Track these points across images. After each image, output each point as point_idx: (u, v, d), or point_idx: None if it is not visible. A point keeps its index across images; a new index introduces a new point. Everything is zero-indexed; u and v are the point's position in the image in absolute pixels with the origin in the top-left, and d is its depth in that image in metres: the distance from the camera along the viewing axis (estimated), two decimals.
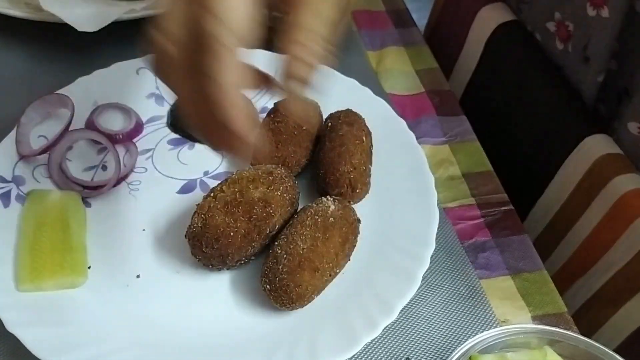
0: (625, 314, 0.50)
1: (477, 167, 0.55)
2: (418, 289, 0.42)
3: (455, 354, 0.35)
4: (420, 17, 0.78)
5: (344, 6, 0.31)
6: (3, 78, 0.58)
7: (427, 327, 0.43)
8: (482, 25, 0.68)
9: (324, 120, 0.52)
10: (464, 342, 0.36)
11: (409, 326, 0.43)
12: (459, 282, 0.46)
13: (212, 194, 0.44)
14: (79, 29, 0.55)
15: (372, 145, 0.50)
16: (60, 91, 0.52)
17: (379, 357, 0.41)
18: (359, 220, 0.45)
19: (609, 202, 0.51)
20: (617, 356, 0.36)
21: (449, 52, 0.72)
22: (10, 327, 0.38)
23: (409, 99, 0.61)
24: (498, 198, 0.52)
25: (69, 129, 0.50)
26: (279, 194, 0.44)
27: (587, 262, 0.54)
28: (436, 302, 0.44)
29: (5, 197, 0.46)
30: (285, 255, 0.41)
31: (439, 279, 0.46)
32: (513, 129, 0.63)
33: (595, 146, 0.53)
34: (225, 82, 0.27)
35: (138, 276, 0.44)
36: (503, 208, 0.52)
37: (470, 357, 0.36)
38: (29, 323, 0.39)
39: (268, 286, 0.41)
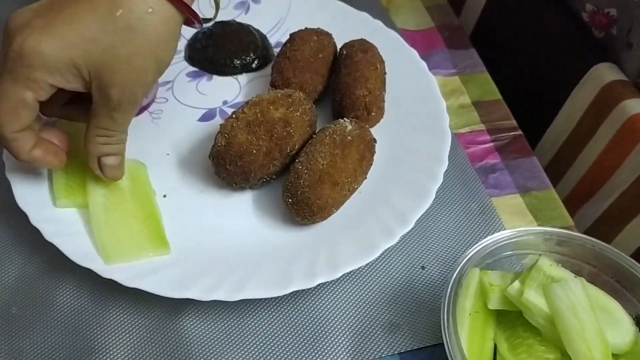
0: (631, 230, 0.52)
1: (487, 96, 0.57)
2: (432, 205, 0.44)
3: (468, 253, 0.37)
4: None
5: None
6: None
7: (441, 239, 0.45)
8: None
9: (338, 49, 0.53)
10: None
11: (424, 238, 0.45)
12: (470, 199, 0.48)
13: (234, 115, 0.45)
14: None
15: (385, 73, 0.52)
16: None
17: (397, 265, 0.44)
18: (374, 140, 0.47)
19: (615, 125, 0.53)
20: (619, 252, 0.38)
21: None
22: (49, 238, 0.40)
23: (419, 34, 0.62)
24: (507, 124, 0.54)
25: None
26: (298, 115, 0.46)
27: (595, 185, 0.56)
28: (449, 217, 0.47)
29: None
30: (306, 171, 0.43)
31: (452, 196, 0.48)
32: (523, 61, 0.64)
33: (603, 73, 0.55)
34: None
35: (164, 196, 0.46)
36: (512, 133, 0.54)
37: (480, 270, 0.38)
38: (64, 234, 0.41)
39: (290, 200, 0.43)
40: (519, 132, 0.54)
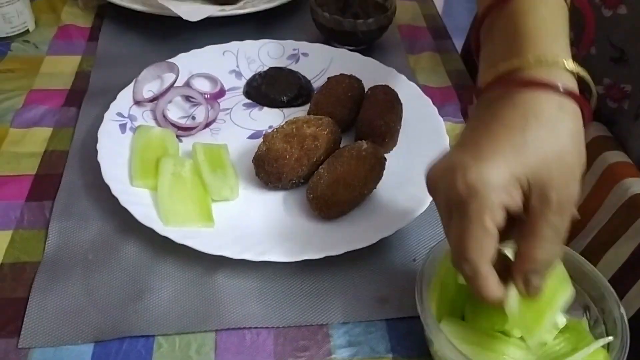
0: (605, 262, 0.60)
1: None
2: (426, 212, 0.54)
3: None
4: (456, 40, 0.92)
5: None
6: (122, 55, 0.76)
7: (432, 240, 0.55)
8: None
9: (365, 91, 0.66)
10: None
11: (417, 237, 0.55)
12: None
13: (275, 129, 0.58)
14: (184, 18, 0.73)
15: (402, 112, 0.64)
16: (166, 61, 0.69)
17: (391, 255, 0.53)
18: (385, 158, 0.58)
19: (597, 172, 0.62)
20: (570, 250, 0.46)
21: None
22: (124, 204, 0.53)
23: (437, 90, 0.74)
24: None
25: (174, 86, 0.66)
26: (325, 133, 0.57)
27: (578, 228, 0.64)
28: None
29: (122, 127, 0.62)
30: (326, 174, 0.54)
31: None
32: None
33: (590, 130, 0.65)
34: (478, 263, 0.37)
35: None
36: None
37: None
38: (135, 203, 0.53)
39: (311, 195, 0.54)
40: None
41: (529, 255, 0.37)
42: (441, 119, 0.64)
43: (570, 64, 0.38)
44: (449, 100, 0.73)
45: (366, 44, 0.79)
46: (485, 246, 0.36)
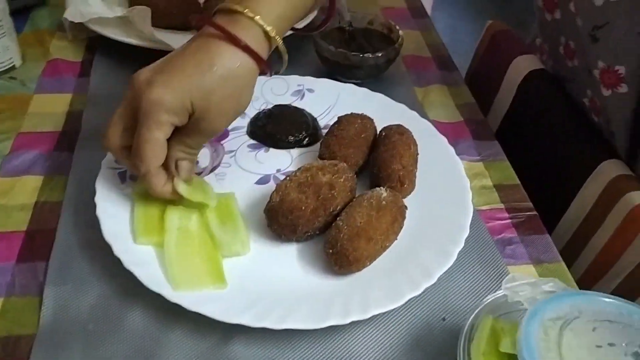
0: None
1: (507, 181, 0.64)
2: (454, 266, 0.51)
3: (484, 301, 0.43)
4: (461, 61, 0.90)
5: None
6: (117, 92, 0.70)
7: (461, 296, 0.51)
8: (515, 72, 0.79)
9: (377, 132, 0.62)
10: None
11: (445, 294, 0.51)
12: (488, 263, 0.54)
13: (288, 178, 0.54)
14: None
15: (418, 153, 0.60)
16: None
17: (420, 315, 0.50)
18: (405, 207, 0.54)
19: (621, 215, 0.60)
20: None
21: (486, 94, 0.83)
22: (127, 266, 0.48)
23: (450, 126, 0.71)
24: (524, 205, 0.61)
25: None
26: (342, 181, 0.54)
27: (605, 268, 0.61)
28: (469, 277, 0.53)
29: (122, 175, 0.57)
30: (345, 227, 0.50)
31: (472, 259, 0.54)
32: (541, 156, 0.73)
33: (610, 169, 0.62)
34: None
35: None
36: (528, 213, 0.60)
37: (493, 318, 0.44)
38: (140, 263, 0.49)
39: (330, 250, 0.50)
40: (535, 212, 0.61)
41: (172, 146, 0.50)
42: (459, 159, 0.61)
43: (267, 26, 0.49)
44: (462, 136, 0.70)
45: (372, 78, 0.75)
46: (156, 152, 0.48)
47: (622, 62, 0.60)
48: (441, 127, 0.69)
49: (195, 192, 0.53)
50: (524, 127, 0.77)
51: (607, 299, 0.42)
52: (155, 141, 0.48)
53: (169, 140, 0.49)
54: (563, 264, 0.55)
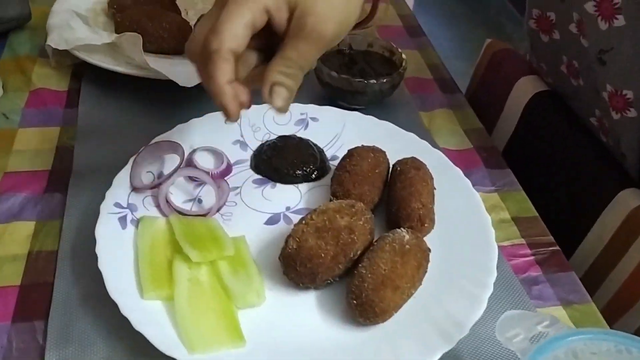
0: None
1: (525, 213, 0.62)
2: (484, 312, 0.48)
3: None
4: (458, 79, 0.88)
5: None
6: (108, 124, 0.67)
7: (494, 344, 0.49)
8: (520, 94, 0.77)
9: (391, 165, 0.59)
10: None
11: (476, 343, 0.49)
12: (518, 308, 0.52)
13: (303, 222, 0.51)
14: (181, 84, 0.65)
15: (435, 188, 0.58)
16: (162, 136, 0.61)
17: None
18: (429, 249, 0.51)
19: None
20: None
21: (488, 115, 0.81)
22: (136, 326, 0.44)
23: (460, 154, 0.69)
24: (545, 240, 0.59)
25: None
26: (361, 223, 0.51)
27: (633, 299, 0.59)
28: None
29: (122, 220, 0.53)
30: (369, 275, 0.47)
31: (501, 304, 0.52)
32: (553, 183, 0.71)
33: (630, 198, 0.61)
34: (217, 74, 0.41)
35: None
36: (550, 248, 0.58)
37: None
38: (151, 323, 0.45)
39: (355, 301, 0.47)
40: (557, 247, 0.58)
41: (270, 67, 0.42)
42: (476, 193, 0.59)
43: None
44: (474, 165, 0.67)
45: (376, 103, 0.73)
46: (237, 33, 0.40)
47: (630, 87, 0.58)
48: (451, 155, 0.67)
49: (210, 251, 0.50)
50: (531, 151, 0.75)
51: (604, 336, 0.39)
52: (239, 15, 0.40)
53: (268, 66, 0.42)
54: (593, 305, 0.53)
